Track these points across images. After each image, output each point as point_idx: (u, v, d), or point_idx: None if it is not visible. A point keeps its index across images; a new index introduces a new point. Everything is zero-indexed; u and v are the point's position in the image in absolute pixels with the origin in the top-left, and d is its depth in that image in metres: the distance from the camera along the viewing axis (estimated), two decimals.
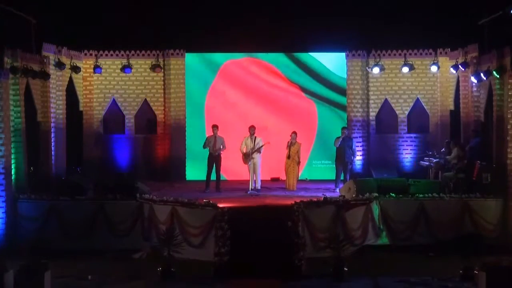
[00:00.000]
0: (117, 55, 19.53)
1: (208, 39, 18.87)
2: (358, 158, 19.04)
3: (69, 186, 15.13)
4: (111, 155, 19.60)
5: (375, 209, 14.15)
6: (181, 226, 13.30)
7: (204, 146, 16.83)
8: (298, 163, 17.13)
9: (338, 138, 17.17)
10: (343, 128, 17.51)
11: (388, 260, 13.46)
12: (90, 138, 19.59)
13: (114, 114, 19.81)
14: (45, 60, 16.64)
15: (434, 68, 18.96)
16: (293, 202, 13.38)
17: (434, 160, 16.97)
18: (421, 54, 19.29)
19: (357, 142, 18.89)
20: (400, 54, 19.30)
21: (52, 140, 17.09)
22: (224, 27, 18.47)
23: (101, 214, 14.26)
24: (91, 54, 19.42)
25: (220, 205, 13.35)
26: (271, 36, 18.80)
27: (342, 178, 17.18)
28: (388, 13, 18.42)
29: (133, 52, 19.51)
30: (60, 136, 17.69)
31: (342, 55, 19.57)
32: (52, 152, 17.09)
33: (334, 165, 17.53)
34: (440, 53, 19.13)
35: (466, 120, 17.84)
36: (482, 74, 16.03)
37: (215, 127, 16.80)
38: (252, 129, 16.67)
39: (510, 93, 14.49)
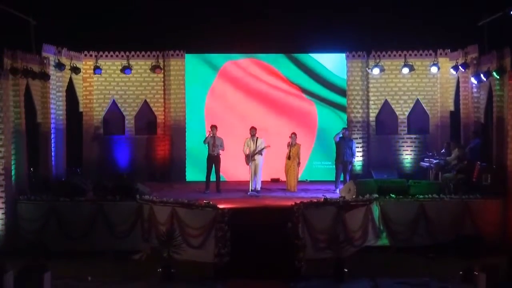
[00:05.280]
0: (117, 56, 19.53)
1: (208, 40, 18.86)
2: (358, 159, 19.04)
3: (69, 187, 15.11)
4: (111, 156, 19.59)
5: (375, 210, 14.14)
6: (181, 227, 13.29)
7: (204, 142, 16.81)
8: (298, 164, 17.12)
9: (337, 134, 17.19)
10: (343, 129, 17.52)
11: (388, 261, 13.46)
12: (90, 139, 19.58)
13: (114, 115, 19.80)
14: (45, 61, 16.64)
15: (434, 69, 18.96)
16: (293, 203, 13.37)
17: (434, 161, 16.97)
18: (421, 55, 19.30)
19: (357, 143, 18.88)
20: (400, 55, 19.30)
21: (52, 141, 17.10)
22: (224, 28, 18.46)
23: (101, 215, 14.24)
24: (91, 55, 19.42)
25: (220, 206, 13.34)
26: (271, 37, 18.80)
27: (342, 179, 17.17)
28: (388, 13, 18.42)
29: (133, 53, 19.51)
30: (60, 137, 17.70)
31: (342, 56, 19.58)
32: (52, 153, 17.10)
33: (334, 166, 17.53)
34: (440, 54, 19.13)
35: (466, 121, 17.85)
36: (482, 75, 16.05)
37: (213, 127, 16.78)
38: (253, 130, 16.66)
39: (510, 94, 14.48)
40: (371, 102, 19.58)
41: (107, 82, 19.69)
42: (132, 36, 18.89)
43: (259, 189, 16.52)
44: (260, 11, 18.66)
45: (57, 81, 17.54)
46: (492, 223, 14.31)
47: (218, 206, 13.30)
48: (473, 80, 16.98)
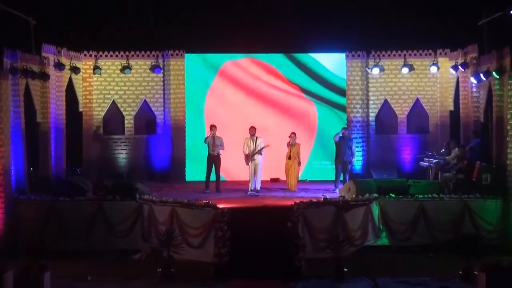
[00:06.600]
0: (116, 55, 19.53)
1: (208, 39, 18.87)
2: (358, 159, 19.05)
3: (69, 187, 15.10)
4: (111, 156, 19.60)
5: (375, 209, 14.14)
6: (180, 226, 13.28)
7: (205, 142, 16.82)
8: (299, 163, 17.13)
9: (337, 133, 17.21)
10: (343, 128, 17.54)
11: (388, 260, 13.46)
12: (89, 138, 19.58)
13: (113, 114, 19.81)
14: (44, 61, 16.65)
15: (433, 69, 18.97)
16: (292, 203, 13.37)
17: (434, 161, 16.97)
18: (420, 54, 19.30)
19: (357, 142, 18.92)
20: (399, 55, 19.31)
21: (51, 141, 17.11)
22: (224, 28, 18.47)
23: (101, 215, 14.23)
24: (90, 55, 19.42)
25: (220, 206, 13.34)
26: (271, 36, 18.80)
27: (341, 178, 17.18)
28: (387, 13, 18.43)
29: (132, 53, 19.51)
30: (59, 136, 17.70)
31: (342, 55, 19.58)
32: (52, 153, 17.11)
33: (334, 165, 17.52)
34: (440, 53, 19.14)
35: (465, 121, 17.86)
36: (481, 75, 16.05)
37: (213, 127, 16.78)
38: (252, 130, 16.66)
39: (509, 94, 14.48)
40: (370, 102, 19.59)
41: (106, 82, 19.70)
42: (132, 36, 18.90)
43: (258, 188, 16.52)
44: (260, 10, 18.65)
45: (56, 81, 17.55)
46: (492, 223, 14.30)
47: (217, 205, 13.30)
48: (472, 79, 16.97)
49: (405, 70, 19.00)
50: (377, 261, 13.33)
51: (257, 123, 17.39)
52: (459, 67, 17.60)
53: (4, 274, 10.50)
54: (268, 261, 12.50)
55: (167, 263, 12.32)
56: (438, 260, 13.46)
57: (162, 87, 19.78)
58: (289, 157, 17.00)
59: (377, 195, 14.28)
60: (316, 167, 19.64)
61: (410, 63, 19.06)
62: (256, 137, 16.62)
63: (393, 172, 18.35)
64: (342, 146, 17.12)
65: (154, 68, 19.46)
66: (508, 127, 14.45)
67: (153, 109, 19.83)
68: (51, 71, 17.00)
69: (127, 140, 19.77)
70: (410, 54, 19.26)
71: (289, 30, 18.81)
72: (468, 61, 17.34)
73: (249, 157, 16.53)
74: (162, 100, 19.77)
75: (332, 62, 19.73)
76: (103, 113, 19.74)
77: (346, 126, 18.51)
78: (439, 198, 14.44)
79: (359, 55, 19.49)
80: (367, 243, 13.89)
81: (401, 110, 19.55)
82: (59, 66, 17.30)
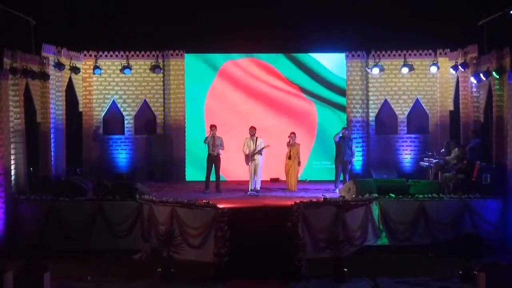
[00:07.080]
0: (116, 55, 19.54)
1: (208, 39, 18.87)
2: (358, 159, 19.04)
3: (69, 187, 15.10)
4: (111, 156, 19.61)
5: (375, 209, 14.15)
6: (180, 226, 13.30)
7: (205, 142, 16.82)
8: (299, 163, 17.14)
9: (337, 133, 17.21)
10: (343, 128, 17.54)
11: (388, 260, 13.46)
12: (89, 138, 19.59)
13: (113, 114, 19.81)
14: (44, 61, 16.65)
15: (433, 69, 18.97)
16: (292, 203, 13.36)
17: (434, 161, 16.97)
18: (420, 54, 19.30)
19: (357, 142, 18.91)
20: (399, 55, 19.31)
21: (51, 141, 17.12)
22: (224, 28, 18.47)
23: (101, 215, 14.24)
24: (90, 55, 19.42)
25: (220, 206, 13.34)
26: (271, 36, 18.81)
27: (341, 178, 17.18)
28: (387, 13, 18.43)
29: (132, 52, 19.52)
30: (59, 137, 17.71)
31: (342, 55, 19.58)
32: (52, 153, 17.12)
33: (334, 165, 17.52)
34: (440, 53, 19.14)
35: (465, 121, 17.86)
36: (481, 75, 16.06)
37: (213, 127, 16.77)
38: (252, 130, 16.66)
39: (509, 94, 14.48)
40: (370, 102, 19.59)
41: (106, 82, 19.70)
42: (132, 36, 18.91)
43: (258, 188, 16.52)
44: (260, 10, 18.65)
45: (56, 81, 17.56)
46: (492, 223, 14.28)
47: (217, 205, 13.30)
48: (472, 79, 16.97)
49: (405, 70, 19.01)
50: (377, 261, 13.33)
51: (257, 123, 17.39)
52: (459, 67, 17.60)
53: (4, 274, 10.50)
54: (268, 261, 12.50)
55: (167, 263, 12.32)
56: (438, 260, 13.45)
57: (162, 87, 19.78)
58: (289, 157, 17.00)
59: (377, 195, 14.29)
60: (316, 167, 19.65)
61: (410, 63, 19.06)
62: (256, 137, 16.62)
63: (393, 172, 18.36)
64: (342, 146, 17.12)
65: (154, 68, 19.46)
66: (508, 127, 14.43)
67: (153, 109, 19.83)
68: (51, 71, 17.01)
69: (127, 140, 19.77)
70: (410, 54, 19.27)
71: (289, 30, 18.82)
72: (468, 61, 17.34)
73: (249, 157, 16.53)
74: (162, 100, 19.77)
75: (332, 62, 19.73)
76: (103, 113, 19.75)
77: (346, 126, 18.51)
78: (439, 198, 14.44)
79: (359, 55, 19.49)
80: (367, 243, 13.91)
81: (401, 110, 19.56)
82: (59, 66, 17.31)
